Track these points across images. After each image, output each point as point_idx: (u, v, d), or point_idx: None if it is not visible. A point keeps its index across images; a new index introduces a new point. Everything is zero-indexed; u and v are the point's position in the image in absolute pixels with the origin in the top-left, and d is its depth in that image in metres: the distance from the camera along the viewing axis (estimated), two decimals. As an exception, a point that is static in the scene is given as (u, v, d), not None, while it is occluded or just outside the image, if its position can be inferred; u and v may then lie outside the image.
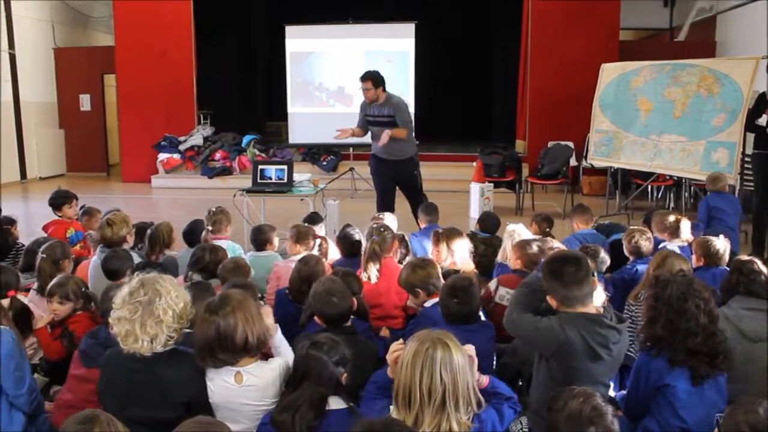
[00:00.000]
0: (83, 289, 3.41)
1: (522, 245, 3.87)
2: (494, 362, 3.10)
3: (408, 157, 6.18)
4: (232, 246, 4.56)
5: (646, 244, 4.11)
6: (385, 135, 5.86)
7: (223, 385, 2.40)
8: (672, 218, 4.56)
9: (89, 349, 2.80)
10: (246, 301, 2.45)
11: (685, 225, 4.53)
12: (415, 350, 2.03)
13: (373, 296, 3.70)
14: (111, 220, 4.23)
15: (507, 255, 4.35)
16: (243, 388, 2.39)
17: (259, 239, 4.56)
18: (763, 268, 3.05)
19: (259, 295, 3.77)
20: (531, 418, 2.59)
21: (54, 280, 3.38)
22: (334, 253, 4.60)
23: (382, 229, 4.01)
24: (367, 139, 6.33)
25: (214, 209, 4.73)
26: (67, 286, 3.31)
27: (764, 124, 6.02)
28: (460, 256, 4.15)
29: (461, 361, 2.04)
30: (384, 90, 6.01)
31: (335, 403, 2.20)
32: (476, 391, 2.10)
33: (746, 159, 6.97)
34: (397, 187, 6.32)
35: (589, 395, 2.06)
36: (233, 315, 2.36)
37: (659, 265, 3.34)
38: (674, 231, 4.48)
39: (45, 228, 5.30)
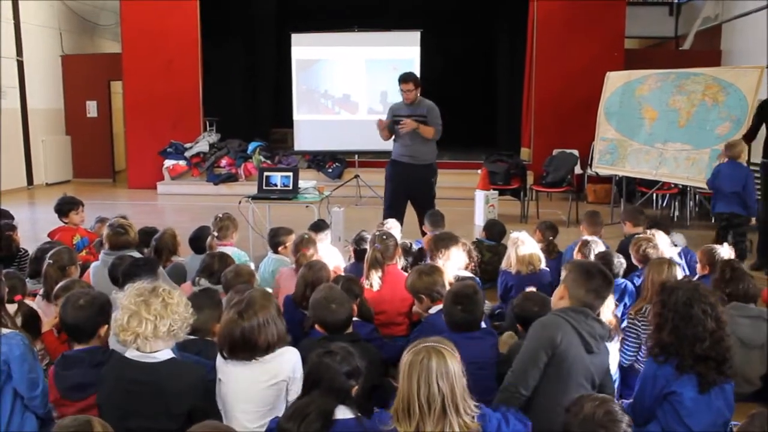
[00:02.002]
0: (88, 293, 3.41)
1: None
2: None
3: (428, 163, 6.11)
4: (237, 253, 4.56)
5: (653, 252, 4.09)
6: (409, 121, 5.83)
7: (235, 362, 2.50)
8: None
9: (80, 378, 2.58)
10: (268, 304, 2.56)
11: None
12: (410, 362, 2.03)
13: (377, 303, 3.70)
14: (128, 224, 4.25)
15: (511, 262, 4.35)
16: (254, 364, 2.48)
17: (272, 242, 4.63)
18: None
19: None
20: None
21: (60, 284, 3.39)
22: (334, 260, 4.60)
23: (384, 237, 4.00)
24: (377, 145, 6.24)
25: (221, 215, 4.72)
26: (72, 289, 3.30)
27: None
28: (454, 267, 4.02)
29: (457, 368, 2.04)
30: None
31: (342, 413, 2.19)
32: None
33: (753, 168, 6.94)
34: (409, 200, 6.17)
35: (606, 400, 2.07)
36: (256, 318, 2.47)
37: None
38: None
39: (51, 234, 5.28)
